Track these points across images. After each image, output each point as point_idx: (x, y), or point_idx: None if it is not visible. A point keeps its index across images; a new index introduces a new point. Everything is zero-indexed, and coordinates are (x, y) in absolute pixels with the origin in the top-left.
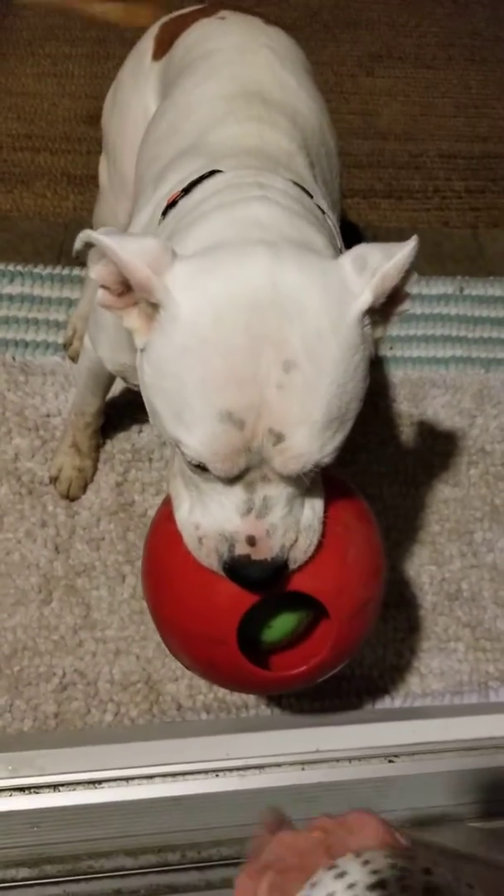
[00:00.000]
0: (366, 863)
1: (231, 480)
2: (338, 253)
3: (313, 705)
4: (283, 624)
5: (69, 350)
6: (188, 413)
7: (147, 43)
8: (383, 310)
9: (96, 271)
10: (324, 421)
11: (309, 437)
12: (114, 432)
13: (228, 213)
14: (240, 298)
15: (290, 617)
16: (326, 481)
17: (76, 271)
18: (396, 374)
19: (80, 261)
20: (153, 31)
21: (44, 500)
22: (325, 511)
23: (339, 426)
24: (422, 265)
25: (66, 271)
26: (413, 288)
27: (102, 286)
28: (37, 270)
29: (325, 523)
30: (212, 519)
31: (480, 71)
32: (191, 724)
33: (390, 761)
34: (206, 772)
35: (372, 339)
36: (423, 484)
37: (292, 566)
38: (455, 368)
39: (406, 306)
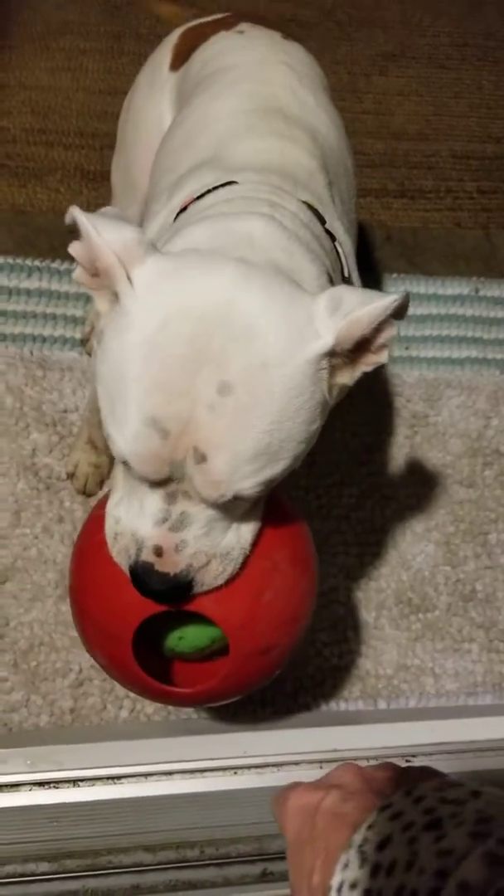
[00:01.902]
0: (418, 800)
1: (154, 485)
2: (330, 285)
3: (330, 705)
4: (193, 638)
5: (87, 346)
6: (120, 409)
7: (164, 52)
8: (352, 356)
9: (74, 248)
10: (249, 453)
11: (230, 465)
12: None
13: (226, 222)
14: (192, 309)
15: (202, 633)
16: (275, 511)
17: None
18: (412, 375)
19: None
20: (171, 40)
21: (61, 495)
22: (257, 543)
23: (268, 462)
24: (434, 265)
25: None
26: (429, 288)
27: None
28: (54, 265)
29: (249, 555)
30: (130, 518)
31: (494, 72)
32: (208, 721)
33: (407, 761)
34: (224, 769)
35: (328, 384)
36: (438, 485)
37: (198, 589)
38: (471, 369)
39: (381, 359)
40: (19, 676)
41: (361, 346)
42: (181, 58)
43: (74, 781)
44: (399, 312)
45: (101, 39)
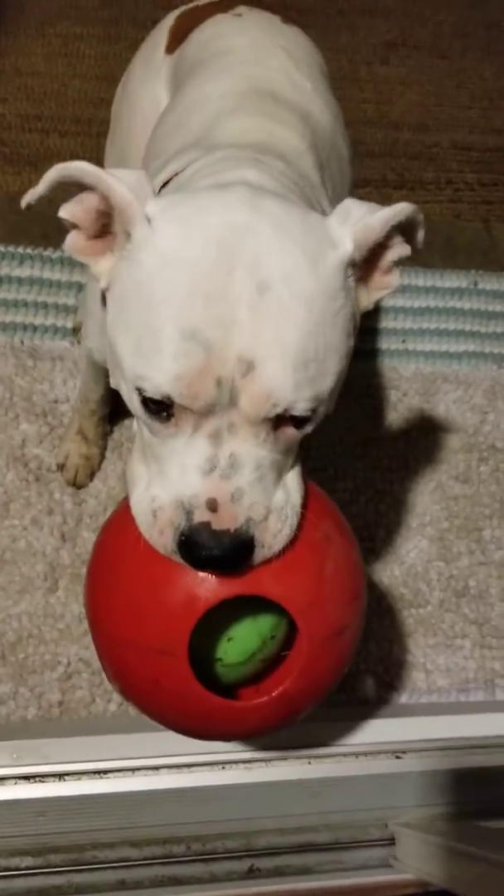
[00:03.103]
0: None
1: (195, 429)
2: None
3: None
4: (244, 639)
5: (78, 335)
6: (151, 340)
7: (160, 35)
8: (367, 276)
9: (68, 209)
10: (298, 354)
11: (281, 368)
12: (121, 421)
13: (216, 177)
14: (213, 224)
15: (251, 631)
16: (306, 488)
17: None
18: (408, 368)
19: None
20: (167, 22)
21: (51, 487)
22: (304, 509)
23: (317, 373)
24: (433, 258)
25: None
26: (428, 281)
27: (74, 226)
28: (46, 253)
29: (302, 517)
30: (170, 486)
31: (496, 62)
32: None
33: (397, 757)
34: (212, 764)
35: (356, 300)
36: (433, 480)
37: (258, 552)
38: (468, 364)
39: (393, 282)
40: (7, 669)
41: (373, 263)
42: (177, 41)
43: (60, 775)
44: (408, 229)
45: (97, 25)
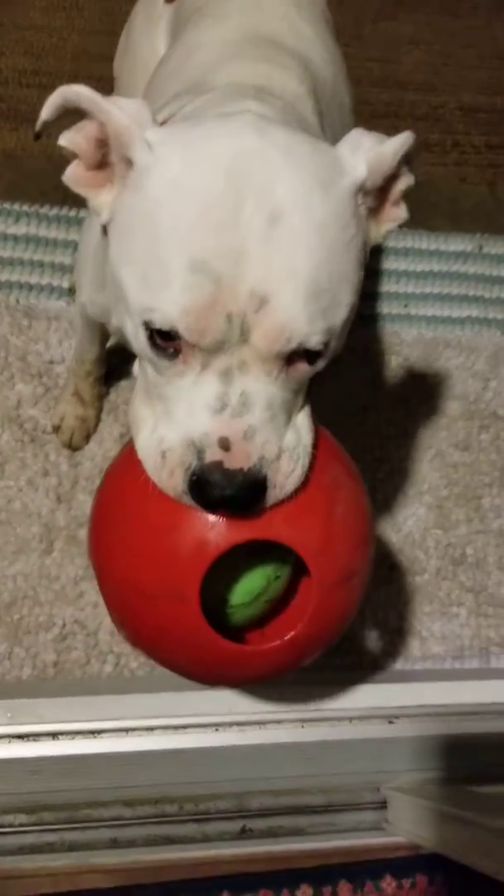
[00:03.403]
0: None
1: (204, 367)
2: None
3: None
4: (248, 582)
5: (74, 294)
6: (158, 271)
7: None
8: (377, 208)
9: (68, 137)
10: (311, 285)
11: (295, 301)
12: (118, 382)
13: (218, 109)
14: (221, 144)
15: (258, 571)
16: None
17: (83, 213)
18: (410, 333)
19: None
20: None
21: (46, 448)
22: (314, 450)
23: (330, 304)
24: (438, 221)
25: (72, 213)
26: (432, 244)
27: (74, 156)
28: (43, 211)
29: (312, 459)
30: (178, 426)
31: None
32: None
33: (390, 722)
34: (206, 726)
35: (366, 232)
36: (433, 447)
37: (271, 493)
38: (471, 330)
39: (402, 213)
40: (2, 629)
41: (383, 195)
42: None
43: (54, 735)
44: (411, 158)
45: None
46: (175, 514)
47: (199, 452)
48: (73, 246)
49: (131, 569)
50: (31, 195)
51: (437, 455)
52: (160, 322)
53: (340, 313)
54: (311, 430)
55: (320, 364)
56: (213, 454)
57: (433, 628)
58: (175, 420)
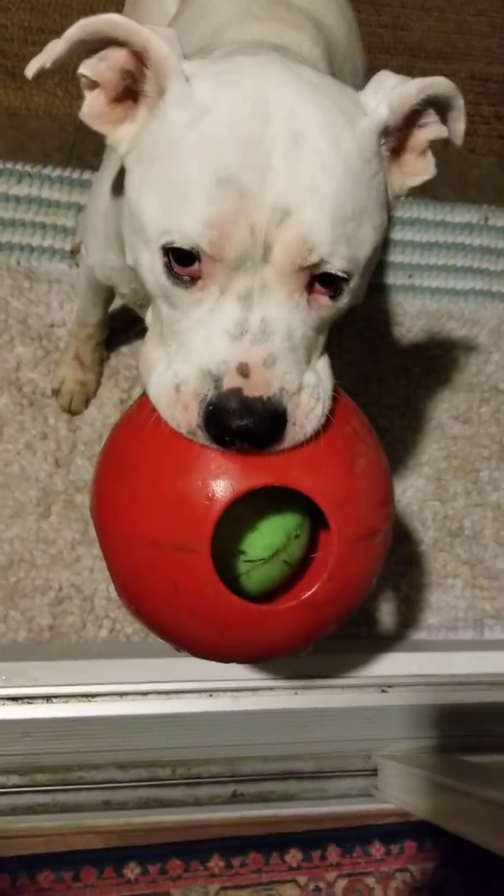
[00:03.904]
0: None
1: (223, 291)
2: None
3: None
4: (269, 534)
5: (76, 257)
6: (182, 190)
7: None
8: (400, 153)
9: (90, 65)
10: (335, 205)
11: (315, 215)
12: (119, 347)
13: (236, 59)
14: (251, 76)
15: (277, 525)
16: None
17: (86, 175)
18: (414, 304)
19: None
20: None
21: (45, 412)
22: (333, 401)
23: (353, 233)
24: (444, 191)
25: (76, 174)
26: (437, 215)
27: (95, 86)
28: (45, 172)
29: (332, 408)
30: (194, 357)
31: None
32: None
33: (383, 691)
34: (200, 691)
35: (389, 180)
36: (433, 419)
37: (290, 429)
38: (475, 302)
39: (428, 167)
40: None
41: (405, 141)
42: None
43: (48, 697)
44: (444, 109)
45: None
46: (186, 458)
47: (217, 381)
48: (76, 208)
49: (138, 518)
50: (34, 155)
51: (437, 427)
52: (181, 239)
53: (365, 247)
54: (332, 377)
55: (342, 301)
56: (231, 381)
57: (429, 599)
58: (191, 352)
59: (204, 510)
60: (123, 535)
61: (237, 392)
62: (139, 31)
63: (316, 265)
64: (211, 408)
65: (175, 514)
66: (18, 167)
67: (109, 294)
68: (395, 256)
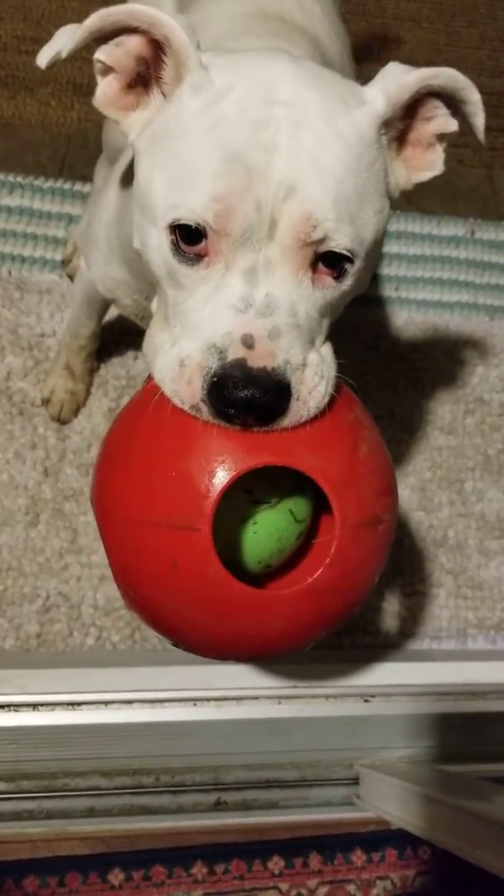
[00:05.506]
0: None
1: (228, 267)
2: None
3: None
4: (275, 518)
5: (67, 268)
6: (191, 167)
7: None
8: (402, 144)
9: (107, 51)
10: (337, 184)
11: (319, 191)
12: (109, 357)
13: (242, 57)
14: (260, 65)
15: (279, 515)
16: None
17: (78, 186)
18: (400, 316)
19: (83, 175)
20: None
21: (35, 421)
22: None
23: (356, 214)
24: (432, 203)
25: (67, 185)
26: (424, 228)
27: (108, 72)
28: (38, 183)
29: (334, 394)
30: (199, 333)
31: None
32: (172, 652)
33: (366, 701)
34: (184, 700)
35: (389, 164)
36: (418, 430)
37: (294, 404)
38: (460, 314)
39: (436, 161)
40: None
41: (406, 133)
42: None
43: (34, 705)
44: (455, 103)
45: None
46: (188, 437)
47: (221, 353)
48: (68, 219)
49: (139, 498)
50: (26, 166)
51: (422, 438)
52: (187, 215)
53: (368, 229)
54: (335, 361)
55: (346, 283)
56: (235, 352)
57: (412, 608)
58: (196, 328)
59: (205, 489)
60: (124, 516)
61: (241, 362)
62: (161, 20)
63: (320, 241)
64: (215, 379)
65: (176, 493)
66: (10, 178)
67: (104, 307)
68: (382, 269)
